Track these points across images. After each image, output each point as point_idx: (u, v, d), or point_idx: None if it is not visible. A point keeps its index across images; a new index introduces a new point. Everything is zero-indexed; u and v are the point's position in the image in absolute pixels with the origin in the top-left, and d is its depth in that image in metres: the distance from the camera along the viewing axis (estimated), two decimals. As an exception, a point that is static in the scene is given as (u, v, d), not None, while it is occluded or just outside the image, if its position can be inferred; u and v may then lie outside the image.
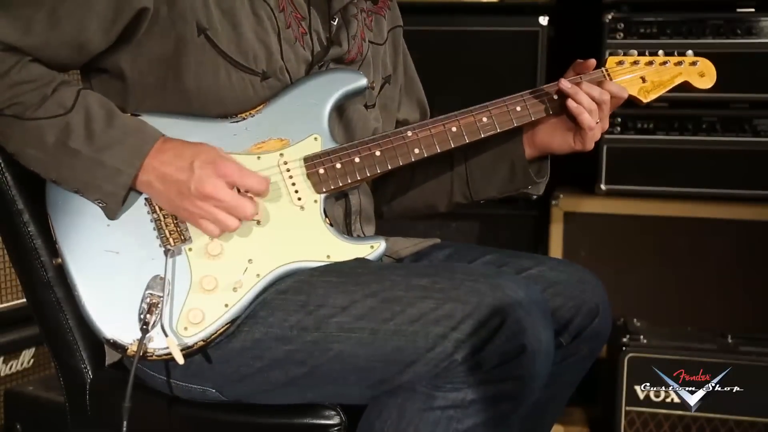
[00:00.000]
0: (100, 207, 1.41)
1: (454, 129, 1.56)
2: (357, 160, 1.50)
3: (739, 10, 2.69)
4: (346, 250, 1.48)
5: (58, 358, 1.60)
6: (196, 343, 1.40)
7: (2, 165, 1.50)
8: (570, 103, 1.57)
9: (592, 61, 1.63)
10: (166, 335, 1.38)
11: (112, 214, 1.41)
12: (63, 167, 1.38)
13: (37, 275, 1.54)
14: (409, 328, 1.33)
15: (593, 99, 1.57)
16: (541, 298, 1.41)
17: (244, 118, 1.47)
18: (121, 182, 1.38)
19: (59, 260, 1.43)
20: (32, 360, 2.42)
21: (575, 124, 1.59)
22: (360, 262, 1.48)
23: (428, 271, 1.43)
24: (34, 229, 1.52)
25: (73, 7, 1.38)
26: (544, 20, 2.82)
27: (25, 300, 1.66)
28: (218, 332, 1.41)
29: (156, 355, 1.40)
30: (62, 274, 1.44)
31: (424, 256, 1.70)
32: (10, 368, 2.37)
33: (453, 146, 1.56)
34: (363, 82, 1.53)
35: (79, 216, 1.42)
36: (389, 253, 1.64)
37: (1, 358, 2.34)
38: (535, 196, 1.76)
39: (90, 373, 1.57)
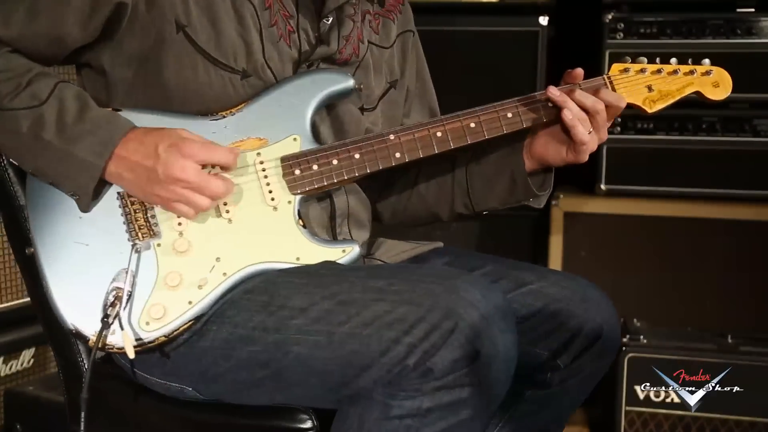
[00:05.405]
0: (74, 199, 1.41)
1: (438, 134, 1.52)
2: (335, 162, 1.48)
3: (739, 10, 2.69)
4: (316, 253, 1.45)
5: (59, 355, 1.60)
6: (158, 339, 1.40)
7: (4, 161, 1.52)
8: (565, 114, 1.50)
9: (579, 71, 1.55)
10: (122, 328, 1.38)
11: (84, 206, 1.41)
12: (37, 159, 1.39)
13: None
14: (363, 332, 1.30)
15: (585, 108, 1.51)
16: (502, 300, 1.34)
17: (224, 116, 1.47)
18: (90, 174, 1.38)
19: (32, 250, 1.44)
20: (32, 360, 2.42)
21: (569, 136, 1.53)
22: (327, 263, 1.45)
23: (387, 273, 1.40)
24: (36, 226, 1.52)
25: (51, 2, 1.40)
26: (544, 20, 2.81)
27: (24, 300, 1.66)
28: (181, 329, 1.40)
29: (117, 348, 1.40)
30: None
31: (422, 261, 1.67)
32: (10, 368, 2.36)
33: (437, 151, 1.52)
34: (349, 83, 1.51)
35: (53, 207, 1.43)
36: (384, 258, 1.63)
37: (1, 358, 2.34)
38: (538, 207, 1.68)
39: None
